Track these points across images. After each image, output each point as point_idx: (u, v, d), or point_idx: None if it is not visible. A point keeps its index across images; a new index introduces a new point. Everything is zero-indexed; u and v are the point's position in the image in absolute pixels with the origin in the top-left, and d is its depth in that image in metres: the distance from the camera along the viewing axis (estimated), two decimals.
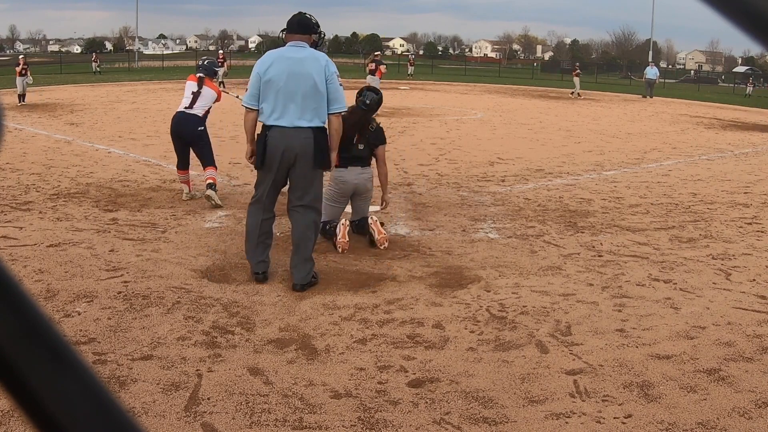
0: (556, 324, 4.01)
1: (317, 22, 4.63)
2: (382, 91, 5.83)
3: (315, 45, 4.58)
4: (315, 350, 3.58)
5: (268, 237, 4.63)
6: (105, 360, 3.38)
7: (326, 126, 4.52)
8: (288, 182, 4.57)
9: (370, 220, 5.41)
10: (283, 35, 4.61)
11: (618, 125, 16.51)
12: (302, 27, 4.52)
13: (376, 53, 19.67)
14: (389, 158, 9.87)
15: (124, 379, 3.20)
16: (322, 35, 4.70)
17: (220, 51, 32.58)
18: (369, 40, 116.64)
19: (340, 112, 4.53)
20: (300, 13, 4.61)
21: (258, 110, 4.49)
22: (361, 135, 5.40)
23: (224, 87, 25.33)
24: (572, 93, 27.82)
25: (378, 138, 5.56)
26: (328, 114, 4.46)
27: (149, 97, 21.24)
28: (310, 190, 4.50)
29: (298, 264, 4.49)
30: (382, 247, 5.33)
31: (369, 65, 17.48)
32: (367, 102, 5.44)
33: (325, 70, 4.40)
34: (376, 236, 5.34)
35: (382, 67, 18.05)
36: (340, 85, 4.51)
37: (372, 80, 17.59)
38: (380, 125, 5.68)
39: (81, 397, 0.29)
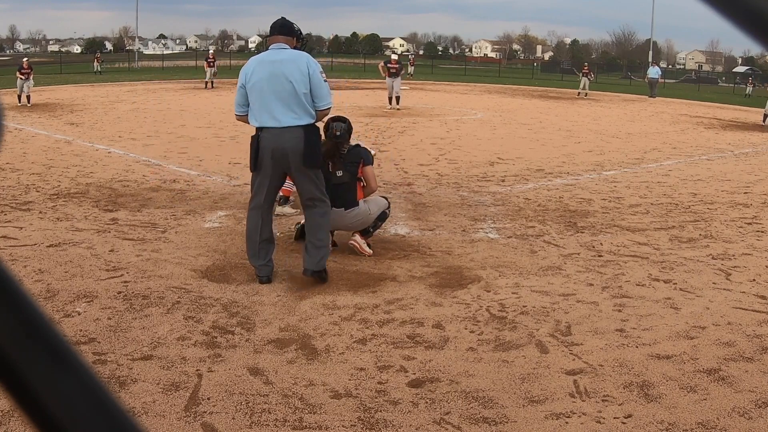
0: (556, 324, 4.01)
1: (300, 30, 4.78)
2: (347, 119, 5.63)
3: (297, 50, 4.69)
4: (315, 350, 3.58)
5: (270, 241, 4.65)
6: (105, 360, 3.38)
7: (316, 122, 4.58)
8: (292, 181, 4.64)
9: (353, 242, 5.28)
10: (266, 40, 4.73)
11: (618, 125, 16.51)
12: (284, 29, 4.63)
13: (397, 56, 19.97)
14: (389, 158, 9.91)
15: (124, 379, 3.20)
16: (305, 41, 4.85)
17: (211, 50, 32.11)
18: (369, 40, 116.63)
19: (326, 109, 4.57)
20: (282, 17, 4.73)
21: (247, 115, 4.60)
22: (334, 163, 5.23)
23: (212, 87, 25.42)
24: (580, 93, 27.96)
25: (355, 157, 5.30)
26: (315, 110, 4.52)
27: (149, 97, 21.25)
28: (314, 183, 4.54)
29: (310, 249, 4.53)
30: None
31: (410, 67, 17.82)
32: (338, 134, 5.33)
33: (307, 68, 4.44)
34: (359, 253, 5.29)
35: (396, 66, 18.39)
36: (325, 81, 4.54)
37: (397, 81, 17.79)
38: (358, 145, 5.45)
39: (81, 397, 0.29)
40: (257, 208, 4.58)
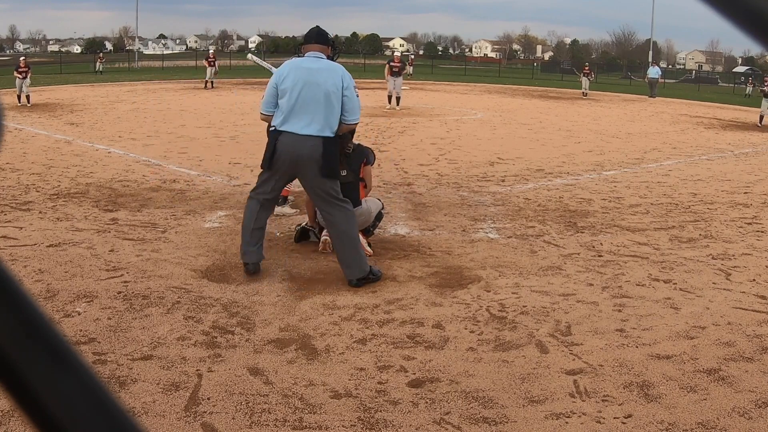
0: (556, 324, 4.01)
1: (333, 39, 4.88)
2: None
3: (330, 58, 4.74)
4: (315, 350, 3.58)
5: (262, 229, 4.69)
6: (105, 360, 3.38)
7: (337, 136, 4.61)
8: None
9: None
10: (301, 49, 4.78)
11: (618, 125, 16.51)
12: (320, 38, 4.69)
13: (399, 54, 20.08)
14: (389, 158, 9.91)
15: (124, 379, 3.20)
16: (338, 50, 4.93)
17: (211, 50, 31.98)
18: (369, 40, 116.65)
19: (353, 124, 4.62)
20: (317, 26, 4.80)
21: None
22: (340, 162, 5.28)
23: (213, 87, 25.45)
24: (584, 92, 28.08)
25: (359, 156, 5.38)
26: (342, 123, 4.55)
27: (149, 97, 21.25)
28: (330, 193, 4.54)
29: (345, 260, 4.56)
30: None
31: (408, 67, 17.85)
32: (340, 133, 5.38)
33: (342, 81, 4.49)
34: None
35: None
36: (357, 96, 4.58)
37: (398, 81, 17.78)
38: (360, 144, 5.54)
39: (81, 397, 0.29)
40: (257, 198, 4.64)
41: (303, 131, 4.44)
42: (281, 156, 4.47)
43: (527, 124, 15.94)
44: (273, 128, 4.60)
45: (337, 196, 4.57)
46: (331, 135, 4.51)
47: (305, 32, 4.85)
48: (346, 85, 4.49)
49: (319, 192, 4.53)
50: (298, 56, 4.75)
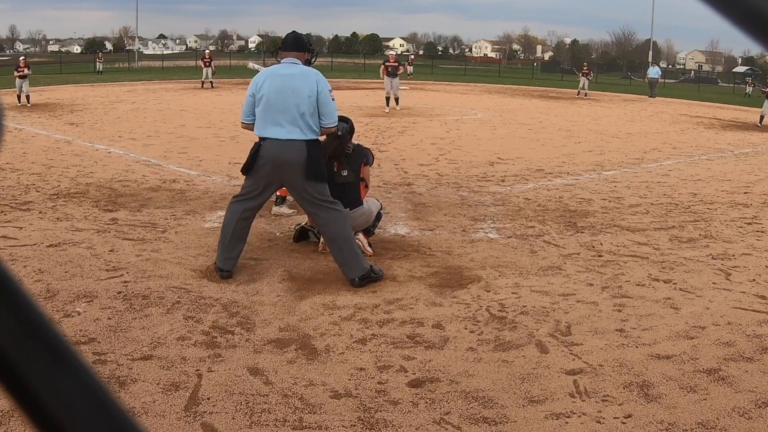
0: (556, 324, 4.01)
1: (310, 42, 4.95)
2: (351, 118, 5.72)
3: (308, 62, 4.80)
4: (315, 350, 3.58)
5: (242, 242, 4.72)
6: (105, 360, 3.38)
7: (320, 138, 4.65)
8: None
9: (356, 242, 5.35)
10: (279, 53, 4.84)
11: (618, 125, 16.51)
12: (296, 44, 4.75)
13: (395, 53, 20.04)
14: (389, 158, 9.92)
15: (124, 379, 3.20)
16: (315, 53, 4.98)
17: (207, 50, 32.09)
18: (369, 40, 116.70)
19: (331, 127, 4.64)
20: (294, 32, 4.86)
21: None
22: (340, 162, 5.29)
23: (212, 87, 25.48)
24: (580, 92, 28.02)
25: (359, 156, 5.39)
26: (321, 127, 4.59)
27: (149, 97, 21.25)
28: (317, 196, 4.55)
29: (343, 260, 4.56)
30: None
31: (406, 66, 17.72)
32: (339, 134, 5.39)
33: (316, 85, 4.52)
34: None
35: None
36: (333, 99, 4.60)
37: (395, 81, 17.68)
38: (360, 144, 5.55)
39: (81, 397, 0.29)
40: (239, 204, 4.66)
41: (286, 136, 4.48)
42: (265, 162, 4.50)
43: (527, 124, 15.94)
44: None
45: (326, 198, 4.58)
46: (314, 137, 4.55)
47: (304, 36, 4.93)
48: (320, 89, 4.53)
49: (305, 195, 4.55)
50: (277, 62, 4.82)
